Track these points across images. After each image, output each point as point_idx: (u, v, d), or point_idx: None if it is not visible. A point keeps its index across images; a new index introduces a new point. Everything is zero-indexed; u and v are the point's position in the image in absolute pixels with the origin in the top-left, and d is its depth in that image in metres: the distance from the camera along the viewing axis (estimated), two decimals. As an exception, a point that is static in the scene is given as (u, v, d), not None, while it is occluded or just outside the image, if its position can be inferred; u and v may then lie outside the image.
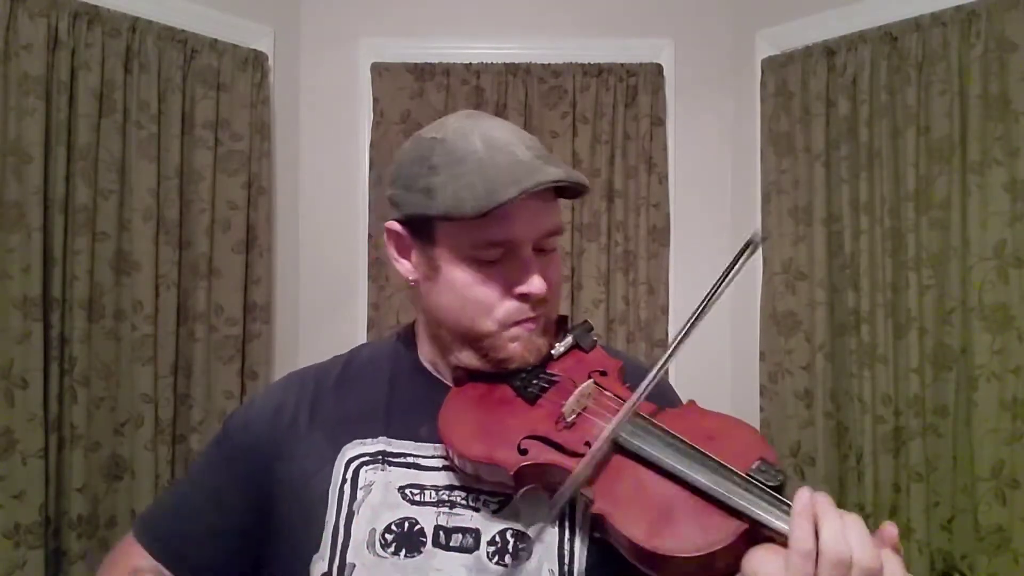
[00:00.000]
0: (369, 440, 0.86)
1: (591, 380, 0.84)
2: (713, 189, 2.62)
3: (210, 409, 2.27)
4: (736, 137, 2.58)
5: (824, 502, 0.65)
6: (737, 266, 0.83)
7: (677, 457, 0.74)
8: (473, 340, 0.85)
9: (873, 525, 0.64)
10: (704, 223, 2.61)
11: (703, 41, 2.62)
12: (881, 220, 2.15)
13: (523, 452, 0.78)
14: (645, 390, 0.78)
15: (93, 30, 2.02)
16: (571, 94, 2.57)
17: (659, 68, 2.59)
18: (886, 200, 2.15)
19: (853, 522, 0.63)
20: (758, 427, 2.40)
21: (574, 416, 0.80)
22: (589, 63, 2.57)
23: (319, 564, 0.81)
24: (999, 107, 1.94)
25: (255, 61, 2.40)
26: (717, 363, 2.58)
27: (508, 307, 0.83)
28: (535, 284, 0.82)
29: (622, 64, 2.57)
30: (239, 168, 2.35)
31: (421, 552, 0.80)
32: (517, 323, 0.84)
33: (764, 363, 2.40)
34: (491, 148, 0.80)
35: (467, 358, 0.86)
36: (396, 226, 0.87)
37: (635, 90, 2.58)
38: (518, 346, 0.85)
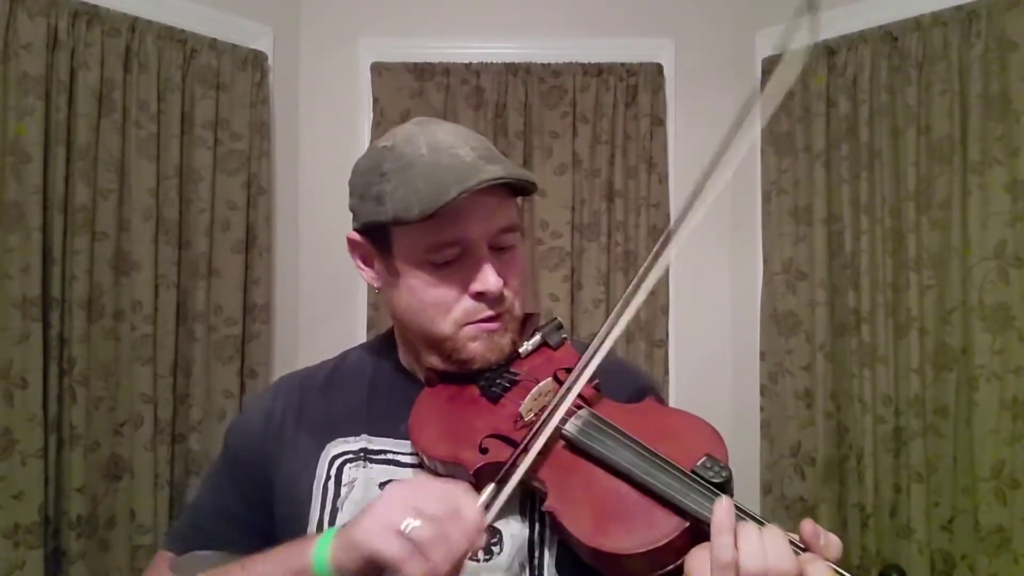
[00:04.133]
0: (351, 438, 0.88)
1: (549, 378, 0.84)
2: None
3: (210, 409, 2.27)
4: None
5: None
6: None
7: (623, 454, 0.75)
8: (435, 342, 0.86)
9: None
10: (704, 223, 2.60)
11: (703, 41, 2.62)
12: (882, 220, 2.15)
13: (484, 451, 0.79)
14: (587, 364, 0.78)
15: (92, 30, 2.02)
16: (571, 94, 2.56)
17: (659, 68, 2.59)
18: (886, 200, 2.14)
19: (770, 533, 0.65)
20: (758, 427, 2.40)
21: (531, 415, 0.81)
22: (589, 63, 2.56)
23: None
24: (999, 107, 1.93)
25: (255, 61, 2.40)
26: (717, 363, 2.58)
27: (465, 307, 0.84)
28: (490, 281, 0.83)
29: (622, 64, 2.57)
30: (239, 168, 2.35)
31: None
32: (476, 322, 0.85)
33: (764, 363, 2.40)
34: (435, 151, 0.82)
35: (433, 360, 0.88)
36: (356, 236, 0.89)
37: (635, 90, 2.58)
38: (479, 346, 0.86)
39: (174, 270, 2.19)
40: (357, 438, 0.88)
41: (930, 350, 2.05)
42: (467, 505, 0.69)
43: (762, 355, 2.41)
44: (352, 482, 0.85)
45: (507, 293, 0.86)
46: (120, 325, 2.08)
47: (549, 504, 0.74)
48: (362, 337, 2.54)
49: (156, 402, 2.12)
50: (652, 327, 2.55)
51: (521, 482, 0.76)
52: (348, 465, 0.86)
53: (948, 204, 2.02)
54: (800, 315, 2.33)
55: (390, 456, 0.87)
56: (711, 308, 2.59)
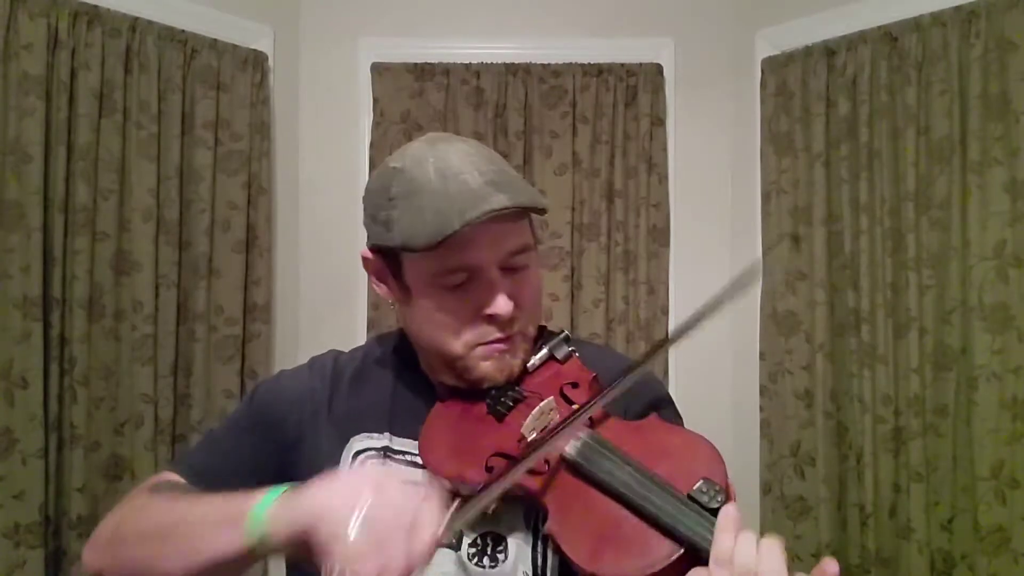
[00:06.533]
0: (376, 435, 0.90)
1: (551, 397, 0.84)
2: (713, 189, 2.61)
3: (210, 409, 2.27)
4: (736, 137, 2.58)
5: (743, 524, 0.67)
6: (732, 291, 0.85)
7: (620, 478, 0.74)
8: (447, 361, 0.88)
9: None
10: (704, 223, 2.61)
11: (703, 41, 2.62)
12: (881, 220, 2.15)
13: (489, 470, 0.80)
14: (582, 413, 0.77)
15: (93, 30, 2.02)
16: (571, 94, 2.57)
17: (659, 68, 2.59)
18: (886, 200, 2.15)
19: (768, 543, 0.66)
20: (758, 427, 2.40)
21: (533, 434, 0.81)
22: (589, 63, 2.56)
23: None
24: (999, 107, 1.94)
25: (255, 61, 2.40)
26: (717, 363, 2.58)
27: (476, 329, 0.85)
28: (500, 305, 0.83)
29: (622, 64, 2.57)
30: (239, 168, 2.35)
31: None
32: (488, 343, 0.86)
33: (764, 363, 2.40)
34: (443, 177, 0.81)
35: (445, 377, 0.90)
36: (369, 254, 0.90)
37: (635, 90, 2.58)
38: (490, 366, 0.87)
39: (174, 270, 2.20)
40: (381, 435, 0.89)
41: (930, 350, 2.05)
42: (426, 524, 0.66)
43: (762, 355, 2.41)
44: None
45: (519, 314, 0.86)
46: (120, 325, 2.09)
47: (549, 527, 0.75)
48: (362, 337, 2.54)
49: (156, 402, 2.12)
50: (652, 327, 2.55)
51: (523, 499, 0.78)
52: (370, 461, 0.88)
53: (948, 204, 2.02)
54: (800, 315, 2.33)
55: (410, 458, 0.88)
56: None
